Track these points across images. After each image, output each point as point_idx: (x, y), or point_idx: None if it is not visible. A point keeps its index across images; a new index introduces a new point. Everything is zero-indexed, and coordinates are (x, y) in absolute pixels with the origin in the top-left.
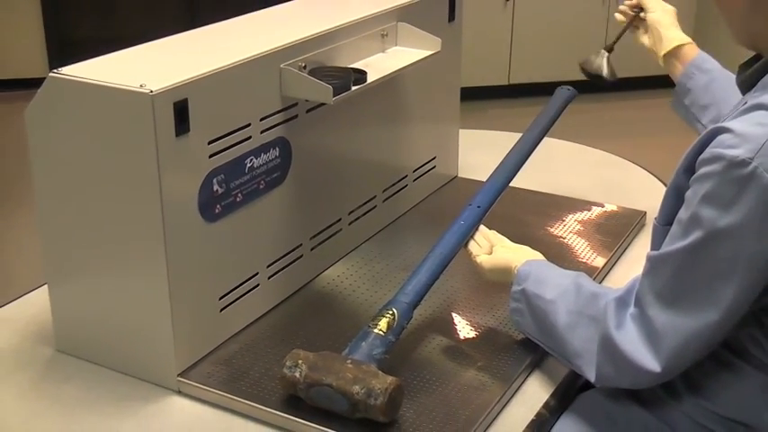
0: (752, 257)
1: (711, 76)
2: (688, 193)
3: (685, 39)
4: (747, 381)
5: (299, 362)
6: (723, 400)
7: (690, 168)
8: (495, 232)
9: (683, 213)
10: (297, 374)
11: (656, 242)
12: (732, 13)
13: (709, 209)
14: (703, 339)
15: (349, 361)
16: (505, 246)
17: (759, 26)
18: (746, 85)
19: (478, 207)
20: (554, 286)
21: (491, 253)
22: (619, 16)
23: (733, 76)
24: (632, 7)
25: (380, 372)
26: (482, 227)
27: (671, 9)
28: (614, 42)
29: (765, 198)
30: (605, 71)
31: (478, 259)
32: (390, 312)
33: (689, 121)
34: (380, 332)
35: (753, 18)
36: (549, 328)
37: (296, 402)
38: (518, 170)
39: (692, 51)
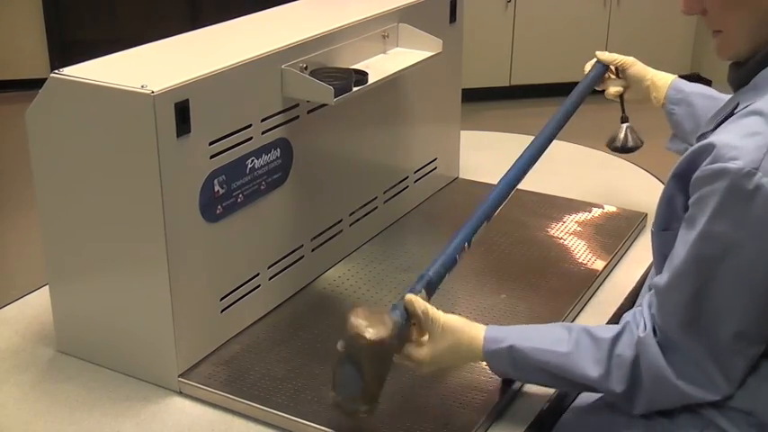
0: None
1: (689, 101)
2: (692, 213)
3: (668, 75)
4: (760, 372)
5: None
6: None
7: (679, 177)
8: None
9: (687, 234)
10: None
11: (656, 248)
12: (749, 20)
13: (722, 224)
14: (742, 345)
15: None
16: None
17: None
18: (739, 82)
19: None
20: (556, 339)
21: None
22: (611, 94)
23: (705, 90)
24: (611, 76)
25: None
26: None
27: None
28: (624, 112)
29: None
30: (630, 142)
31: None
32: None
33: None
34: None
35: None
36: (569, 377)
37: (296, 403)
38: (559, 130)
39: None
